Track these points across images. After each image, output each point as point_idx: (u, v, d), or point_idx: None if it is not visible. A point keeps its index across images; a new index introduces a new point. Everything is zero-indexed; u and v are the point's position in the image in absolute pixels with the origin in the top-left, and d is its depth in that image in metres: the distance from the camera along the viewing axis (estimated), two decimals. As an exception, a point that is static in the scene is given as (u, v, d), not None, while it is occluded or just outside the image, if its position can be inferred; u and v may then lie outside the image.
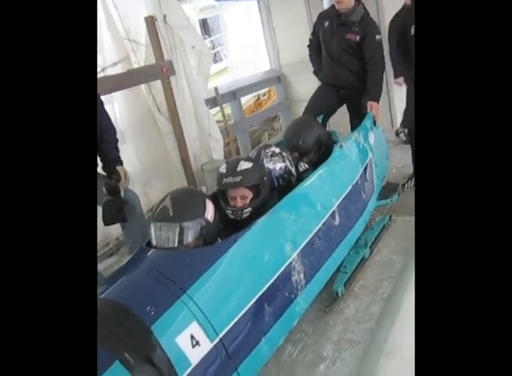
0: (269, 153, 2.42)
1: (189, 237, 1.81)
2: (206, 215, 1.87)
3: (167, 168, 3.98)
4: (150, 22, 3.60)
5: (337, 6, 3.42)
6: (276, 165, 2.39)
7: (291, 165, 2.46)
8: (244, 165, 2.10)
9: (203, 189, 3.86)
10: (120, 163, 2.73)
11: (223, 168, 2.13)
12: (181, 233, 1.80)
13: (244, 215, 2.07)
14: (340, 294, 2.39)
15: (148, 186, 3.83)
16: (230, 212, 2.10)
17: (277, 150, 2.45)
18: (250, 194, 2.11)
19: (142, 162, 3.79)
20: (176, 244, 1.79)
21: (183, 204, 1.87)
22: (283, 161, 2.42)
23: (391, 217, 3.13)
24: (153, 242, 1.84)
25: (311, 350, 2.12)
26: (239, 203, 2.10)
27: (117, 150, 2.75)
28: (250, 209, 2.07)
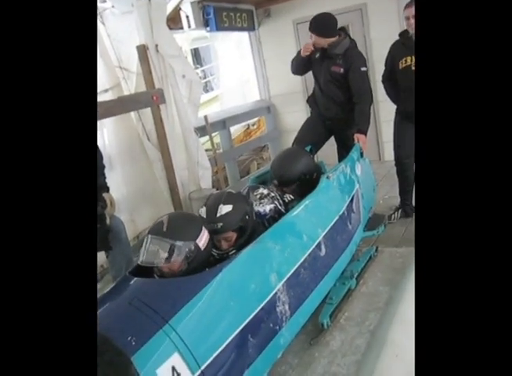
0: (258, 196, 2.40)
1: (176, 257, 1.80)
2: (198, 241, 1.86)
3: (154, 195, 3.97)
4: (142, 51, 3.65)
5: (315, 45, 3.47)
6: (266, 207, 2.38)
7: (280, 205, 2.45)
8: (224, 209, 2.04)
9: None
10: (107, 189, 2.71)
11: (203, 213, 2.08)
12: (168, 251, 1.79)
13: (230, 255, 2.04)
14: (325, 326, 2.36)
15: (135, 213, 3.82)
16: (215, 254, 2.06)
17: (265, 191, 2.44)
18: (234, 235, 2.08)
19: (129, 189, 3.78)
20: (163, 261, 1.79)
21: (178, 223, 1.88)
22: (272, 202, 2.41)
23: (377, 248, 3.13)
24: (142, 255, 1.83)
25: (295, 383, 2.08)
26: (224, 245, 2.08)
27: (103, 176, 2.73)
28: (234, 251, 2.04)
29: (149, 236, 1.84)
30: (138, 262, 1.86)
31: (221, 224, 2.02)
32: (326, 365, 2.16)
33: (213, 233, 2.03)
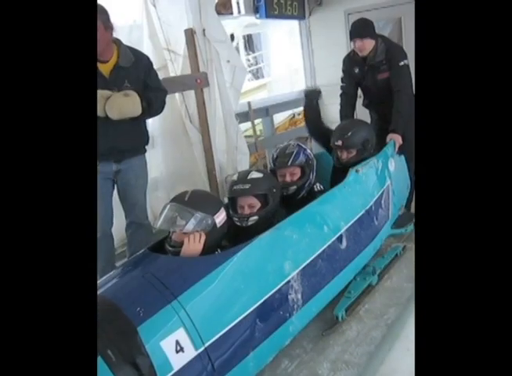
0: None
1: (191, 227, 1.86)
2: (215, 217, 1.93)
3: (192, 176, 4.04)
4: (190, 34, 3.70)
5: (360, 54, 3.40)
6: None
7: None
8: (255, 174, 2.20)
9: (226, 200, 3.91)
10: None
11: (235, 177, 2.23)
12: (186, 219, 1.86)
13: (250, 223, 2.14)
14: (340, 319, 2.39)
15: (172, 192, 3.88)
16: (236, 219, 2.17)
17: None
18: (257, 204, 2.17)
19: (168, 168, 3.88)
20: (178, 228, 1.86)
21: (200, 197, 1.98)
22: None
23: (404, 247, 3.11)
24: (159, 220, 1.91)
25: (307, 366, 2.13)
26: (247, 211, 2.17)
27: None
28: (256, 218, 2.14)
29: (170, 203, 1.93)
30: (154, 226, 1.95)
31: (249, 185, 2.15)
32: (338, 352, 2.20)
33: (239, 193, 2.17)
